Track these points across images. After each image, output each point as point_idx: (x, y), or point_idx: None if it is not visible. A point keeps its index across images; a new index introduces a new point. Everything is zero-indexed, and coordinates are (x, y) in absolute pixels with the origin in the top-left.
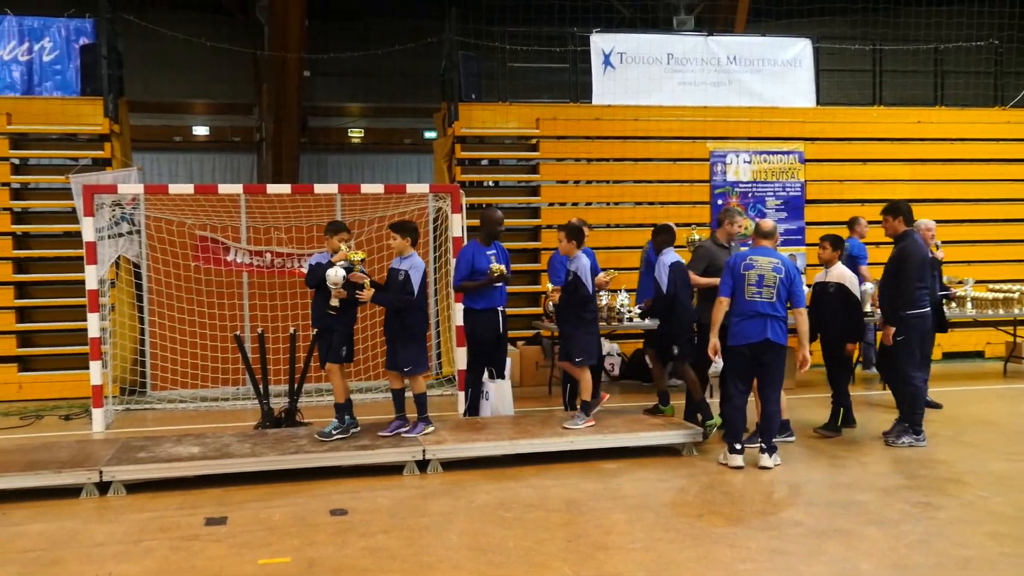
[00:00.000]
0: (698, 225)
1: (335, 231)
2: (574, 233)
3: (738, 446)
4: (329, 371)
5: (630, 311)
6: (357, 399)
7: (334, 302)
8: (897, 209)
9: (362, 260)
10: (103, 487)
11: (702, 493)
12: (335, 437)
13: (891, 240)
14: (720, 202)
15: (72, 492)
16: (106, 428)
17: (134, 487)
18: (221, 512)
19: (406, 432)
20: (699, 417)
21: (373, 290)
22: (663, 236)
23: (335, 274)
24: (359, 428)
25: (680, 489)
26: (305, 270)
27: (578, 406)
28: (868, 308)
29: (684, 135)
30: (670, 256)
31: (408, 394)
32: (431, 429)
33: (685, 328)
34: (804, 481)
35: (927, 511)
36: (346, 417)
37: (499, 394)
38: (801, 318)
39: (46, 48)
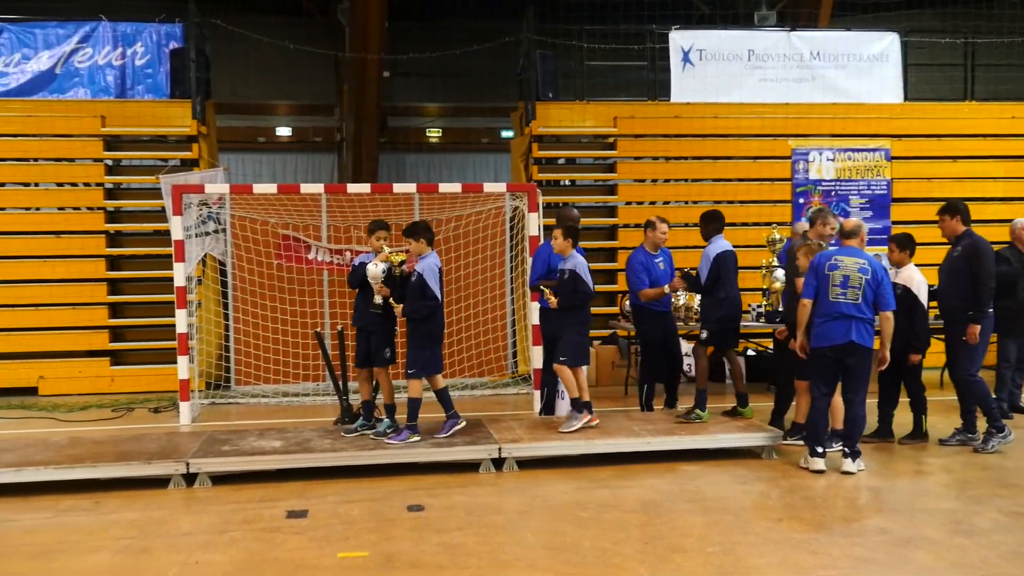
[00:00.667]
0: (779, 224)
1: (374, 230)
2: (571, 232)
3: (820, 449)
4: (377, 374)
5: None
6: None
7: (377, 299)
8: (955, 208)
9: (402, 263)
10: (190, 478)
11: (782, 497)
12: (389, 435)
13: (947, 241)
14: (801, 201)
15: (160, 483)
16: (192, 421)
17: (219, 479)
18: (302, 505)
19: (389, 439)
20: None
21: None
22: (713, 224)
23: (375, 269)
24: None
25: (759, 492)
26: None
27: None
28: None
29: (765, 132)
30: (719, 245)
31: (401, 396)
32: (415, 438)
33: (724, 318)
34: (888, 488)
35: (1020, 521)
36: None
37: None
38: (887, 322)
39: (138, 53)
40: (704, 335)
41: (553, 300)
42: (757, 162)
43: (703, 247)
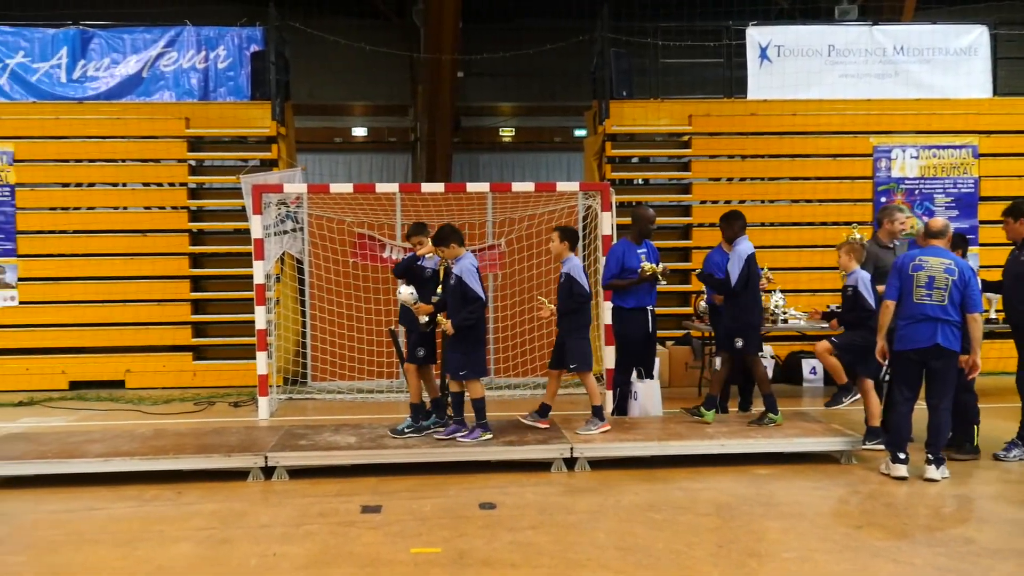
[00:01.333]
0: (859, 224)
1: (412, 234)
2: (568, 234)
3: (902, 456)
4: (406, 371)
5: (785, 312)
6: (495, 396)
7: (422, 319)
8: (1019, 210)
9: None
10: (268, 471)
11: (861, 503)
12: (408, 435)
13: (1012, 243)
14: (883, 199)
15: (240, 475)
16: (270, 416)
17: (296, 472)
18: (376, 501)
19: (462, 436)
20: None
21: (448, 322)
22: (738, 223)
23: (407, 294)
24: (431, 428)
25: (838, 498)
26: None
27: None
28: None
29: (845, 130)
30: (746, 246)
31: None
32: (488, 436)
33: (753, 323)
34: (975, 497)
35: None
36: (421, 418)
37: (647, 394)
38: (975, 324)
39: (220, 56)
40: (740, 343)
41: (550, 308)
42: (837, 160)
43: (779, 246)
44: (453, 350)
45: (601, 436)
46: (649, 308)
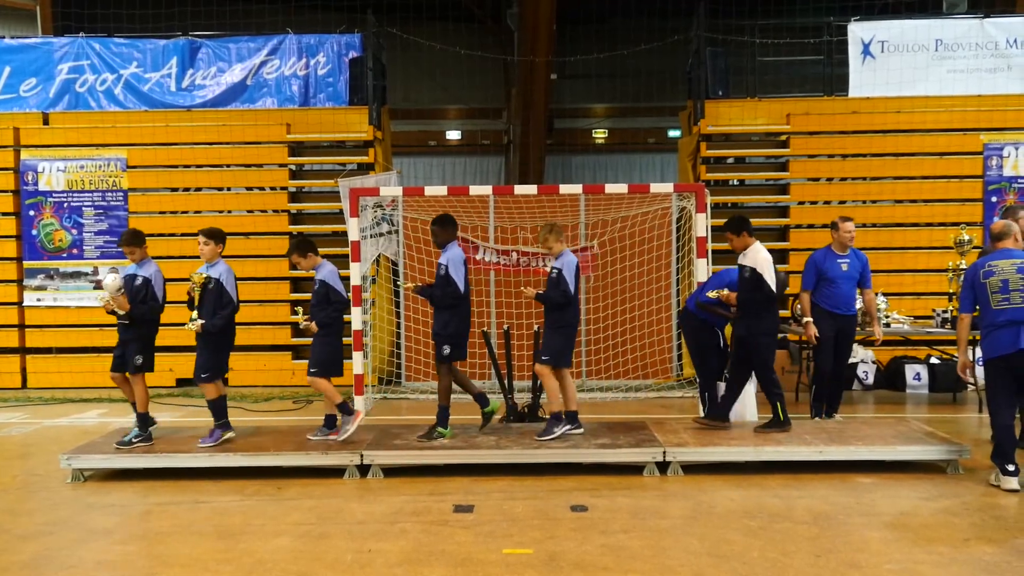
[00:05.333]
0: (967, 224)
1: (123, 243)
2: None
3: (1011, 467)
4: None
5: (888, 316)
6: (586, 397)
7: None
8: None
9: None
10: (363, 469)
11: (969, 516)
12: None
13: None
14: (995, 199)
15: (336, 472)
16: (365, 415)
17: (390, 471)
18: (468, 500)
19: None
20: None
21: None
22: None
23: (111, 280)
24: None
25: (943, 509)
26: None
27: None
28: None
29: (953, 127)
30: (456, 252)
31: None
32: (230, 434)
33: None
34: None
35: None
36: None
37: (742, 398)
38: None
39: (320, 63)
40: (447, 350)
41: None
42: (944, 159)
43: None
44: (201, 351)
45: (695, 440)
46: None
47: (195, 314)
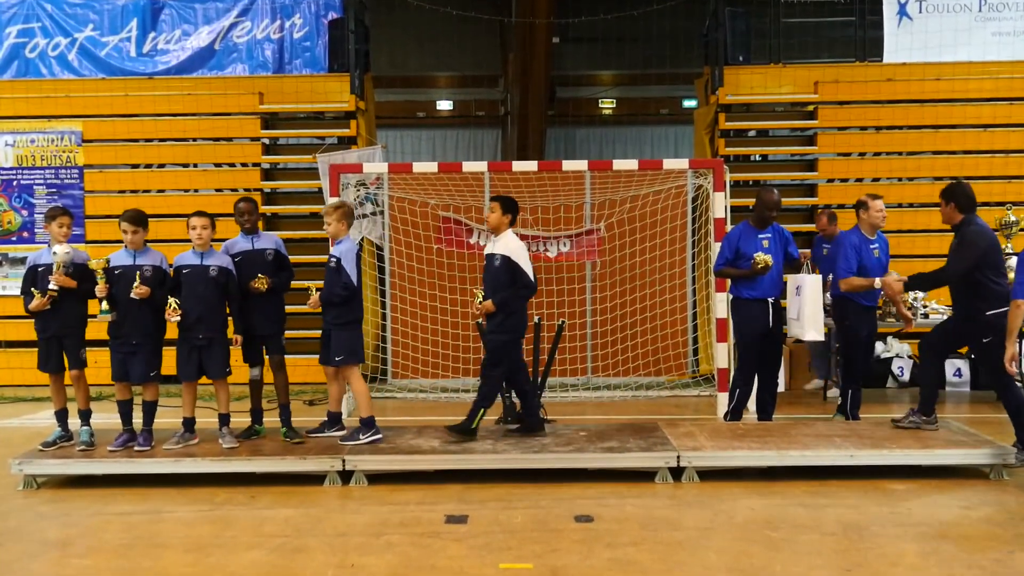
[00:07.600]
0: (1014, 204)
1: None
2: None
3: None
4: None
5: (925, 306)
6: (592, 396)
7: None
8: None
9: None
10: (345, 476)
11: (1014, 526)
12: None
13: None
14: None
15: (316, 479)
16: (348, 415)
17: (375, 478)
18: (461, 510)
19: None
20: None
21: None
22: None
23: (62, 253)
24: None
25: (985, 518)
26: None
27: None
28: None
29: (1000, 96)
30: None
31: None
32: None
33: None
34: None
35: None
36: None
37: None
38: None
39: (296, 25)
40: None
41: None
42: (989, 131)
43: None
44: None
45: (712, 443)
46: (771, 300)
47: (105, 305)
